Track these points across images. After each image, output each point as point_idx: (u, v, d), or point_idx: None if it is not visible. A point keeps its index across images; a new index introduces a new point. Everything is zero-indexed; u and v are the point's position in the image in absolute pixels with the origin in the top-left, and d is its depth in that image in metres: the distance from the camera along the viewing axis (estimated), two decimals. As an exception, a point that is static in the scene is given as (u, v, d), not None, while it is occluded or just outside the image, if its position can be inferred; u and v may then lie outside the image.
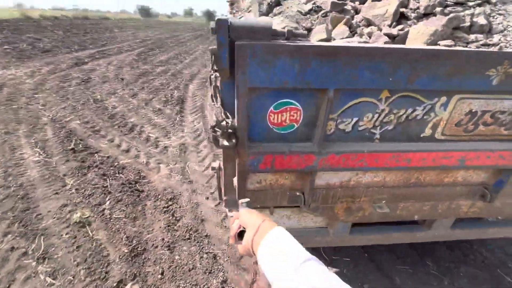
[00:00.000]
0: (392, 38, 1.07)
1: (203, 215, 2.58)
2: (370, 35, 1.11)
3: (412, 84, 0.88)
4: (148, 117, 4.57)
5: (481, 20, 1.01)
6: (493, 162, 1.12)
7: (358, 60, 0.81)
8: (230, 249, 2.23)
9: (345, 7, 1.31)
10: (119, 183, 2.89)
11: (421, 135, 1.08)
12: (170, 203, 2.69)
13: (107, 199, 2.67)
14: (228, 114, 0.88)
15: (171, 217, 2.50)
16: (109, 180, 2.93)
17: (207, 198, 2.82)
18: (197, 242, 2.26)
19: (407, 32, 1.03)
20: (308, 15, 1.45)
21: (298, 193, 1.20)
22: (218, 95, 0.88)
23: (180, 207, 2.65)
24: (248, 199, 0.89)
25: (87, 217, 2.41)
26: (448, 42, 0.97)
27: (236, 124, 0.88)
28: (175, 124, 4.41)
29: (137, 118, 4.50)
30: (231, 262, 2.12)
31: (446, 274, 2.06)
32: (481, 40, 0.97)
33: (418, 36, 0.96)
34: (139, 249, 2.16)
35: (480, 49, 0.99)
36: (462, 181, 1.27)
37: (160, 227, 2.38)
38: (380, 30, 1.10)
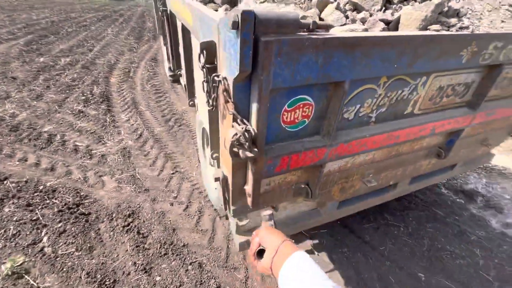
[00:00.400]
0: (387, 23, 1.10)
1: (173, 223, 2.35)
2: (363, 20, 1.12)
3: (411, 68, 0.92)
4: (68, 123, 3.75)
5: (454, 5, 1.14)
6: (452, 126, 1.33)
7: (374, 49, 0.79)
8: (214, 252, 2.12)
9: (326, -10, 1.28)
10: (54, 211, 2.34)
11: (405, 112, 1.18)
12: (129, 220, 2.34)
13: (43, 234, 2.14)
14: (245, 121, 0.76)
15: (136, 236, 2.19)
16: (39, 210, 2.34)
17: (172, 204, 2.57)
18: (176, 255, 2.06)
19: (399, 17, 1.08)
20: (290, -2, 1.37)
21: (303, 186, 1.19)
22: (229, 100, 0.74)
23: (143, 221, 2.34)
24: (271, 212, 0.83)
25: (21, 265, 1.89)
26: (437, 27, 1.07)
27: (256, 130, 0.77)
28: (106, 126, 3.76)
29: (53, 126, 3.64)
30: (218, 265, 2.02)
31: (400, 222, 2.47)
32: (457, 24, 1.10)
33: (410, 22, 1.01)
34: (107, 282, 1.84)
35: (459, 32, 1.11)
36: (426, 146, 1.47)
37: (127, 250, 2.07)
38: (371, 15, 1.12)
